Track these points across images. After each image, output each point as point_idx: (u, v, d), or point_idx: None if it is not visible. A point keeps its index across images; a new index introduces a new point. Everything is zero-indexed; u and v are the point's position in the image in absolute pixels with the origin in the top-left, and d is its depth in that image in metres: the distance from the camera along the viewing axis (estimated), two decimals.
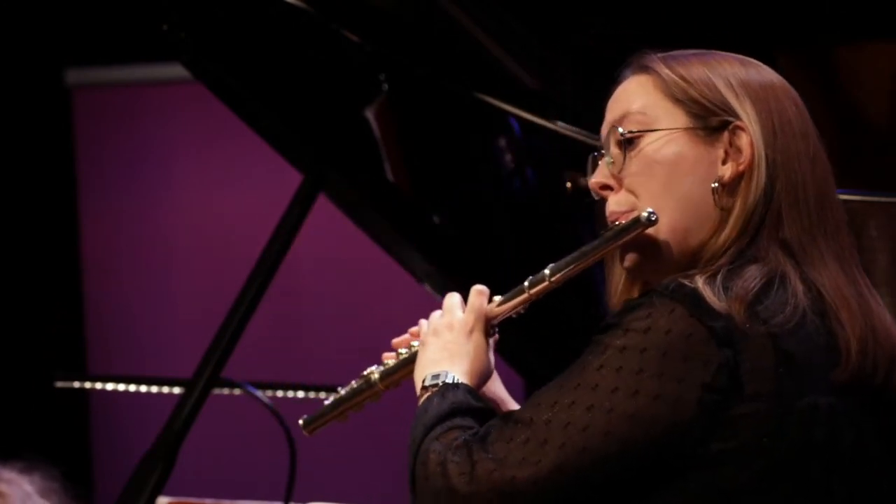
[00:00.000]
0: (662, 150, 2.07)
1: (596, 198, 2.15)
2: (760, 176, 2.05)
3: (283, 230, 3.34)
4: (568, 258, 2.14)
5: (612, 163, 2.10)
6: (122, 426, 5.77)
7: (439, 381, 2.11)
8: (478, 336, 2.18)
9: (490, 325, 2.20)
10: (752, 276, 1.99)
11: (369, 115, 3.42)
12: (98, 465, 5.87)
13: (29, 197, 5.69)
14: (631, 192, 2.09)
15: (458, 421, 2.05)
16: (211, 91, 3.50)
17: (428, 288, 3.71)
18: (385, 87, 3.37)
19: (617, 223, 2.08)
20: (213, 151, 5.76)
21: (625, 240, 2.07)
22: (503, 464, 1.95)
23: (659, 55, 2.13)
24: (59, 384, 4.46)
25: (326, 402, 2.41)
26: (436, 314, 2.23)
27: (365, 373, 2.33)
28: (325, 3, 3.26)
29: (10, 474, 3.06)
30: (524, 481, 1.94)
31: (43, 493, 3.00)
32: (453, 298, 2.22)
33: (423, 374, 2.15)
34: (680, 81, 2.08)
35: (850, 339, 2.01)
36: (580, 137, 3.11)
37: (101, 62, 5.77)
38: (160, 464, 3.15)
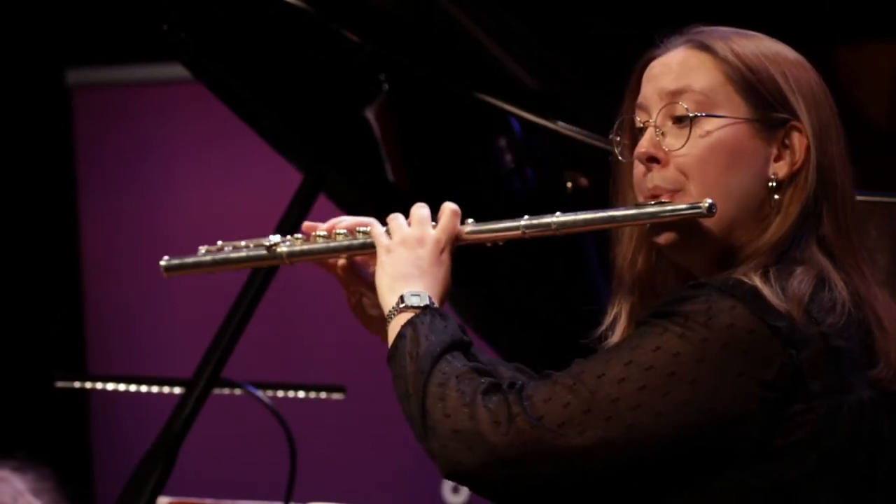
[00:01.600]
0: (724, 137, 2.04)
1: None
2: (811, 178, 2.05)
3: (283, 230, 3.33)
4: (586, 216, 2.11)
5: (663, 135, 2.07)
6: (122, 426, 5.77)
7: (422, 303, 2.06)
8: (446, 257, 2.14)
9: (454, 247, 2.16)
10: (803, 278, 1.98)
11: (369, 115, 3.42)
12: (98, 465, 5.87)
13: (29, 197, 5.69)
14: (682, 171, 2.05)
15: (463, 360, 2.00)
16: (211, 91, 3.50)
17: None
18: (385, 87, 3.37)
19: (661, 199, 2.05)
20: (213, 151, 5.76)
21: (670, 220, 2.04)
22: (542, 423, 1.91)
23: (714, 32, 2.10)
24: (59, 384, 4.46)
25: (205, 256, 2.34)
26: (399, 220, 2.17)
27: (266, 242, 2.28)
28: (325, 3, 3.26)
29: (2, 472, 3.06)
30: (567, 448, 1.91)
31: (35, 492, 3.00)
32: (423, 211, 2.17)
33: (393, 285, 2.09)
34: (744, 69, 2.06)
35: (891, 342, 2.02)
36: (580, 137, 3.11)
37: (101, 62, 5.77)
38: (160, 464, 3.14)
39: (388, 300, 2.10)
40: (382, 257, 2.13)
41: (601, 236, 2.21)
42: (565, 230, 2.11)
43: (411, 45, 3.33)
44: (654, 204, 2.05)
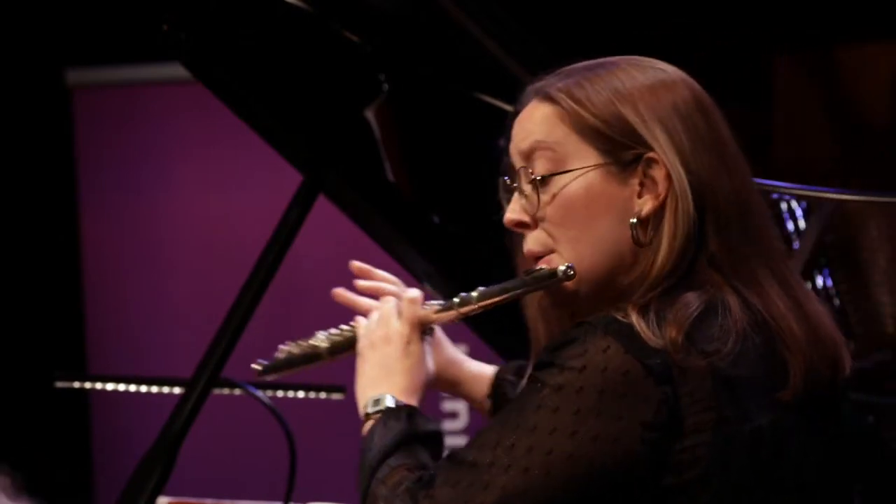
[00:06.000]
0: (576, 191, 2.01)
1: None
2: (684, 203, 1.99)
3: (282, 230, 3.33)
4: (495, 288, 2.14)
5: (527, 197, 2.05)
6: (122, 426, 5.77)
7: (381, 407, 2.10)
8: (415, 347, 2.17)
9: (425, 329, 2.20)
10: (687, 304, 1.94)
11: (369, 115, 3.42)
12: (98, 465, 5.87)
13: (29, 197, 5.69)
14: (547, 233, 2.04)
15: (402, 458, 2.03)
16: (211, 91, 3.50)
17: (428, 288, 3.71)
18: (385, 87, 3.37)
19: (538, 267, 2.06)
20: (213, 152, 5.76)
21: (543, 287, 2.05)
22: None
23: (559, 80, 2.07)
24: (59, 384, 4.46)
25: (280, 356, 2.42)
26: (370, 319, 2.22)
27: (313, 341, 2.36)
28: (325, 3, 3.26)
29: None
30: None
31: None
32: (388, 304, 2.22)
33: (362, 394, 2.15)
34: (585, 114, 2.02)
35: (795, 364, 1.97)
36: None
37: (101, 62, 5.77)
38: (160, 464, 3.14)
39: (359, 408, 2.16)
40: (358, 364, 2.21)
41: None
42: (484, 304, 2.16)
43: (411, 45, 3.33)
44: (526, 273, 2.08)
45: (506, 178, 2.10)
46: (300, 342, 2.41)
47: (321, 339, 2.35)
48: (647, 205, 2.01)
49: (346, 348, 2.32)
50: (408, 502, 1.95)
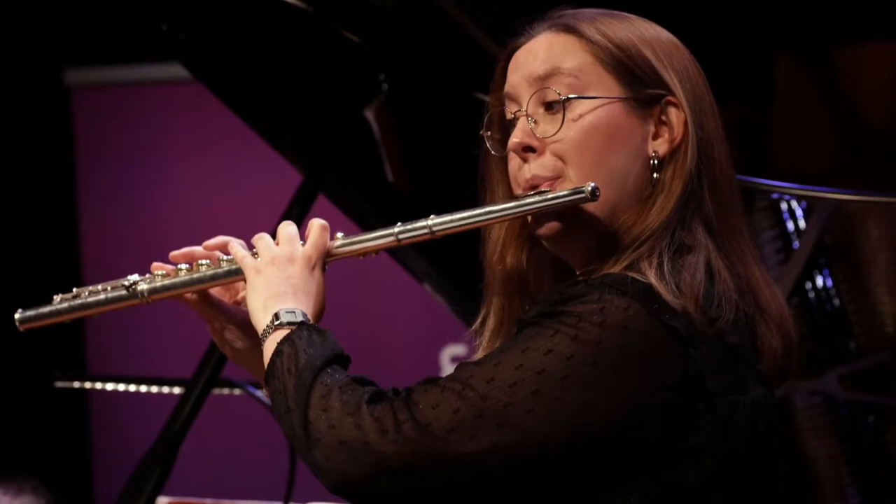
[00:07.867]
0: (599, 118, 1.97)
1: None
2: (691, 153, 1.97)
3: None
4: (463, 214, 2.05)
5: (536, 123, 2.00)
6: (122, 426, 5.77)
7: (297, 319, 1.97)
8: (318, 273, 2.06)
9: (325, 262, 2.08)
10: (695, 270, 1.90)
11: (369, 115, 3.42)
12: (98, 465, 5.87)
13: (29, 197, 5.69)
14: (559, 157, 1.98)
15: (342, 370, 1.91)
16: (210, 91, 3.50)
17: (428, 288, 3.71)
18: (385, 87, 3.37)
19: (540, 189, 1.98)
20: (212, 151, 5.76)
21: (552, 209, 1.96)
22: (430, 430, 1.82)
23: (578, 14, 2.02)
24: (59, 384, 4.46)
25: (61, 304, 2.22)
26: (266, 240, 2.08)
27: (126, 282, 2.19)
28: (325, 3, 3.26)
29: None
30: (458, 455, 1.82)
31: None
32: (291, 229, 2.09)
33: (267, 305, 2.00)
34: (612, 47, 1.98)
35: (773, 338, 1.97)
36: None
37: (101, 62, 5.77)
38: (160, 464, 3.15)
39: (261, 319, 2.01)
40: (252, 278, 2.05)
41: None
42: (443, 232, 2.05)
43: (411, 45, 3.33)
44: (535, 194, 1.98)
45: (502, 108, 2.05)
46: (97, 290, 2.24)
47: (134, 280, 2.19)
48: (661, 147, 1.98)
49: (185, 286, 2.14)
50: (382, 411, 1.83)
